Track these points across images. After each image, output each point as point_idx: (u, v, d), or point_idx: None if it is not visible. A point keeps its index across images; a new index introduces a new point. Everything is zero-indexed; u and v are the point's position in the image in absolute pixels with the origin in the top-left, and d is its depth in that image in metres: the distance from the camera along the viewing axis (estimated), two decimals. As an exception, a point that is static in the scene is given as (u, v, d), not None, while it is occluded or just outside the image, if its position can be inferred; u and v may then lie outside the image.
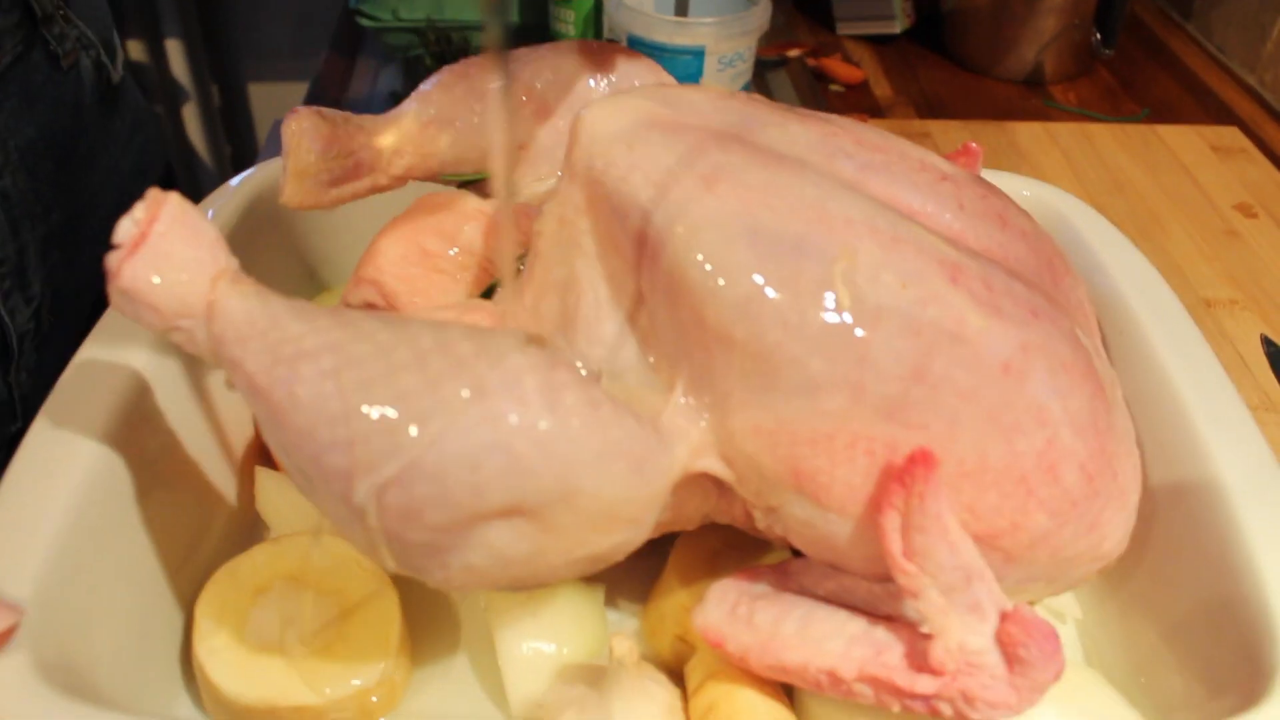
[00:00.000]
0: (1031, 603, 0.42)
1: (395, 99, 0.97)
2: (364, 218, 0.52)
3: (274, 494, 0.49)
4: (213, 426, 0.49)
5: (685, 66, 0.84)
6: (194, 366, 0.48)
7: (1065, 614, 0.47)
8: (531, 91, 0.47)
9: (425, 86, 0.48)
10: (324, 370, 0.31)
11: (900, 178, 0.40)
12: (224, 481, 0.49)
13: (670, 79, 0.48)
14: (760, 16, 0.84)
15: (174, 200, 0.34)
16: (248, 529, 0.50)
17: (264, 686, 0.40)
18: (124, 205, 0.64)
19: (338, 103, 0.95)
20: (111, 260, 0.33)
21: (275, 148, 0.79)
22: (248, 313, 0.33)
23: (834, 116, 0.42)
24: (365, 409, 0.30)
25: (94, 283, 0.60)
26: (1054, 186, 0.58)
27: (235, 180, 0.56)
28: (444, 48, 0.95)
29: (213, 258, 0.34)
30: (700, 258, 0.35)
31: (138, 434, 0.44)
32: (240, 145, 1.62)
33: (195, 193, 0.48)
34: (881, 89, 1.00)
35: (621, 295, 0.37)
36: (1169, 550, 0.44)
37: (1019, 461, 0.36)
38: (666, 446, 0.34)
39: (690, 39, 0.83)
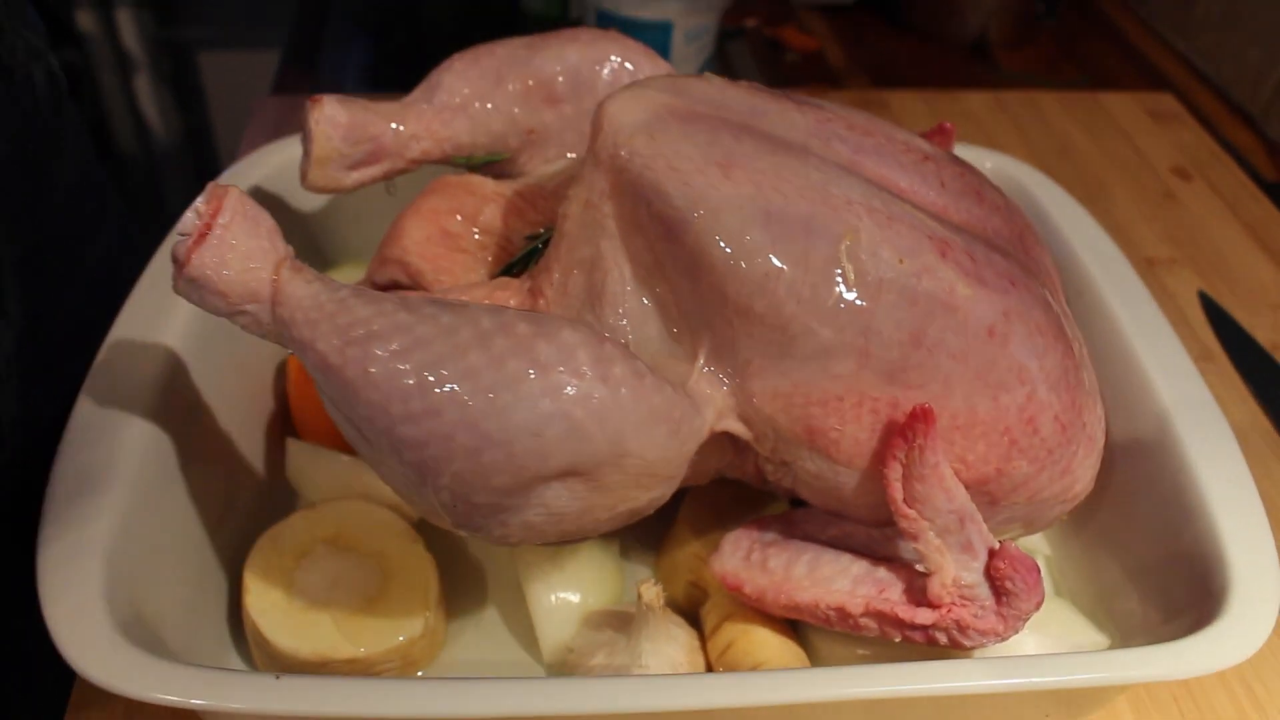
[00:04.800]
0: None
1: (368, 72, 0.99)
2: (366, 196, 0.54)
3: (305, 463, 0.52)
4: (239, 402, 0.52)
5: (653, 40, 0.87)
6: (218, 346, 0.50)
7: (1037, 552, 0.52)
8: (539, 78, 0.49)
9: (438, 73, 0.50)
10: (395, 350, 0.34)
11: (889, 159, 0.44)
12: (252, 453, 0.52)
13: (666, 65, 0.51)
14: (726, -10, 0.87)
15: (234, 193, 0.36)
16: (277, 497, 0.53)
17: (315, 641, 0.43)
18: (86, 218, 0.63)
19: (308, 74, 0.96)
20: (178, 250, 0.36)
21: (263, 128, 0.81)
22: (313, 297, 0.36)
23: (825, 103, 0.45)
24: (436, 385, 0.33)
25: (75, 302, 0.60)
26: (1013, 158, 0.62)
27: (241, 163, 0.57)
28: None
29: (273, 246, 0.37)
30: (720, 239, 0.38)
31: (175, 411, 0.46)
32: (193, 116, 1.61)
33: (149, 164, 0.48)
34: (836, 57, 1.04)
35: (645, 272, 0.41)
36: (1127, 491, 0.49)
37: (1003, 415, 0.41)
38: (697, 410, 0.38)
39: (659, 13, 0.86)
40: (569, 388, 0.34)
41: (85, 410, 0.45)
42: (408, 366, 0.34)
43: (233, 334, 0.50)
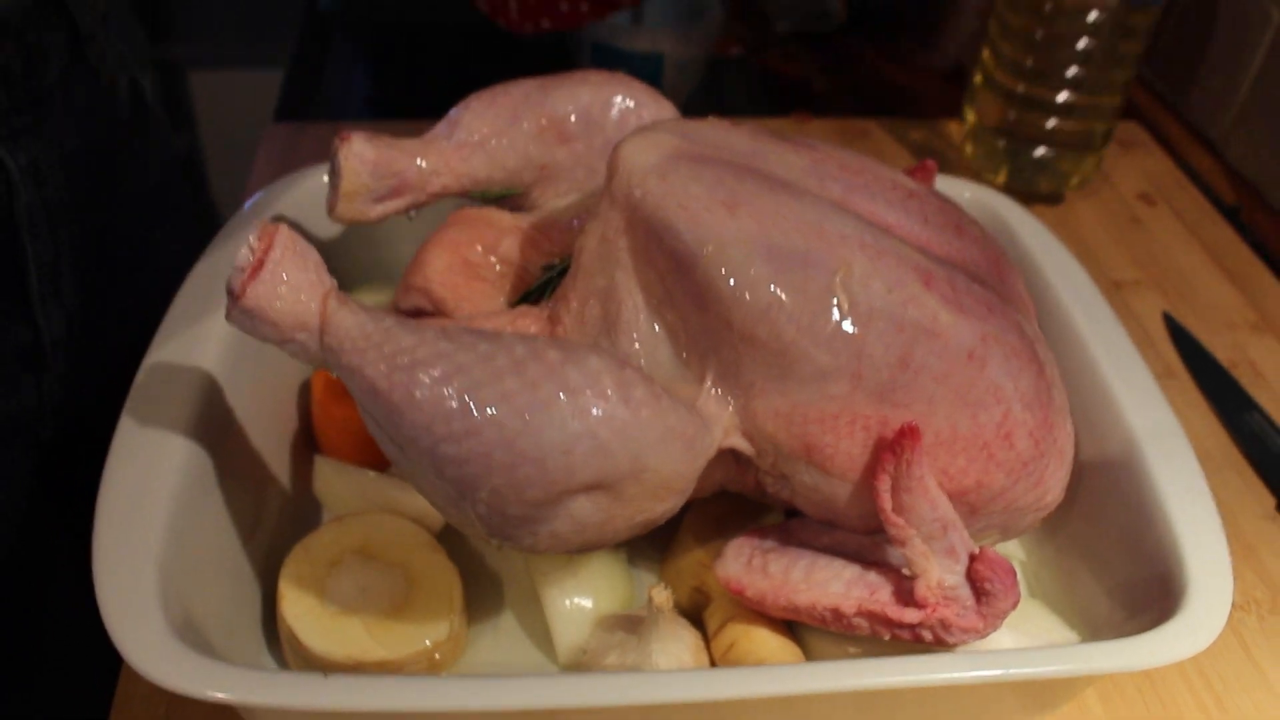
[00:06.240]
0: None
1: (370, 99, 1.02)
2: (383, 224, 0.58)
3: (332, 478, 0.55)
4: (266, 421, 0.55)
5: (645, 70, 0.91)
6: (246, 369, 0.53)
7: (1013, 557, 0.56)
8: (552, 117, 0.53)
9: (457, 112, 0.54)
10: (437, 376, 0.37)
11: (878, 196, 0.48)
12: (279, 468, 0.55)
13: (669, 104, 0.55)
14: (714, 24, 0.91)
15: (285, 230, 0.40)
16: (302, 510, 0.56)
17: (348, 645, 0.47)
18: (148, 222, 0.68)
19: (311, 100, 0.99)
20: (234, 282, 0.39)
21: (271, 154, 0.84)
22: (360, 326, 0.39)
23: (818, 143, 0.49)
24: (476, 408, 0.37)
25: (122, 295, 0.64)
26: (988, 188, 0.67)
27: (264, 193, 0.61)
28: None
29: (320, 279, 0.40)
30: (726, 271, 0.42)
31: (209, 429, 0.50)
32: (181, 133, 1.63)
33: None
34: (820, 85, 1.08)
35: (656, 302, 0.44)
36: (1095, 500, 0.53)
37: (982, 431, 0.44)
38: (707, 428, 0.42)
39: (650, 46, 0.90)
40: (595, 409, 0.38)
41: (127, 429, 0.48)
42: (450, 391, 0.37)
43: (259, 357, 0.54)
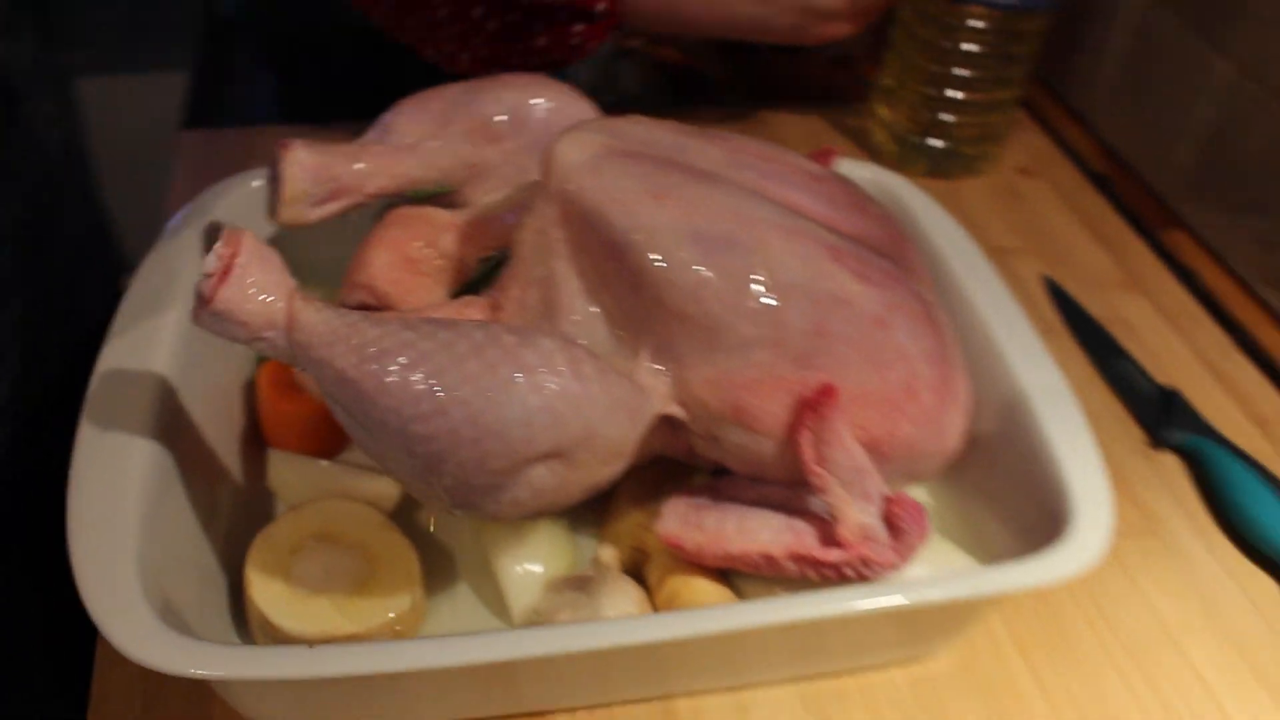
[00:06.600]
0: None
1: (277, 104, 1.03)
2: (321, 226, 0.60)
3: (285, 470, 0.57)
4: (216, 418, 0.57)
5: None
6: (195, 372, 0.56)
7: (919, 499, 0.62)
8: (480, 118, 0.57)
9: (389, 117, 0.57)
10: (404, 363, 0.41)
11: (788, 182, 0.53)
12: (231, 462, 0.58)
13: (588, 103, 0.59)
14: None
15: (249, 235, 0.43)
16: (255, 501, 0.59)
17: (320, 623, 0.50)
18: (84, 273, 0.68)
19: (219, 106, 1.00)
20: (204, 287, 0.42)
21: (191, 161, 0.85)
22: (326, 322, 0.42)
23: (732, 135, 0.54)
24: (442, 389, 0.41)
25: (67, 350, 0.63)
26: (885, 169, 0.72)
27: (202, 196, 0.63)
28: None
29: (283, 280, 0.43)
30: (656, 256, 0.46)
31: (166, 429, 0.52)
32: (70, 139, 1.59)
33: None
34: (716, 74, 1.13)
35: (592, 286, 0.48)
36: (990, 444, 0.58)
37: (890, 388, 0.50)
38: (646, 398, 0.46)
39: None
40: (550, 385, 0.42)
41: (89, 433, 0.50)
42: (417, 375, 0.41)
43: (206, 360, 0.57)
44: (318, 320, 0.42)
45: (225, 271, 0.42)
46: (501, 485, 0.43)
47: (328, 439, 0.59)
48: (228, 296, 0.42)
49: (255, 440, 0.61)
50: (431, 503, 0.44)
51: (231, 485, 0.58)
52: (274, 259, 0.43)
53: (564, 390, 0.42)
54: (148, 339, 0.54)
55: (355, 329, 0.42)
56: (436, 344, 0.41)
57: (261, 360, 0.61)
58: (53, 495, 0.48)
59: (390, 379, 0.41)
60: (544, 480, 0.43)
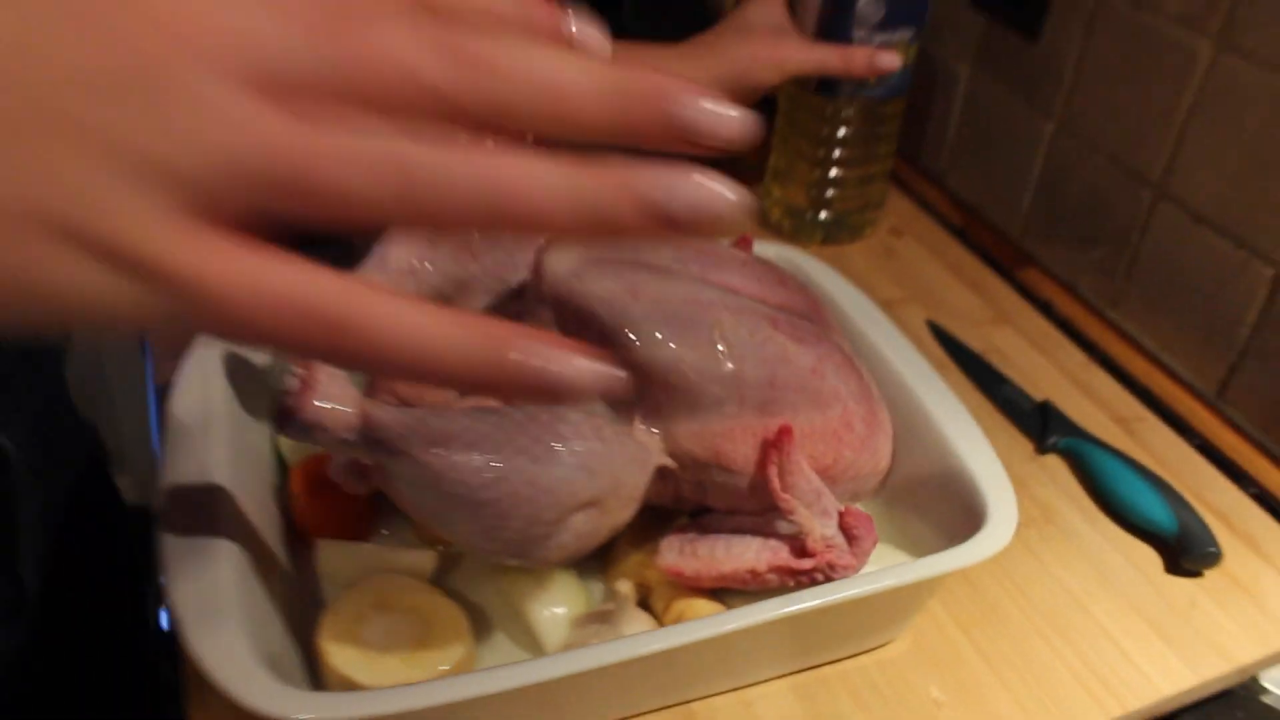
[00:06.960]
0: (844, 510, 0.68)
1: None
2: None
3: (332, 555, 0.66)
4: (265, 518, 0.66)
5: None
6: (241, 478, 0.65)
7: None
8: (461, 238, 0.68)
9: (384, 247, 0.67)
10: (467, 445, 0.51)
11: (724, 268, 0.66)
12: (281, 554, 0.66)
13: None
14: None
15: (319, 360, 0.53)
16: (305, 584, 0.67)
17: (392, 676, 0.59)
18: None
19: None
20: (289, 402, 0.52)
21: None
22: (397, 418, 0.52)
23: (677, 236, 0.67)
24: (500, 461, 0.51)
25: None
26: (787, 246, 0.86)
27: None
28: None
29: (349, 388, 0.53)
30: (639, 340, 0.58)
31: (236, 531, 0.61)
32: None
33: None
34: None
35: (588, 370, 0.60)
36: (910, 461, 0.71)
37: (831, 423, 0.62)
38: (650, 452, 0.58)
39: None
40: (582, 448, 0.53)
41: (172, 541, 0.58)
42: (479, 454, 0.51)
43: (245, 469, 0.65)
44: (390, 418, 0.52)
45: (307, 388, 0.52)
46: (552, 534, 0.53)
47: (358, 524, 0.69)
48: (312, 409, 0.52)
49: (292, 533, 0.70)
50: (491, 557, 0.54)
51: (283, 573, 0.66)
52: (340, 373, 0.53)
53: (593, 451, 0.53)
54: (200, 456, 0.63)
55: (422, 422, 0.52)
56: (489, 426, 0.52)
57: (285, 466, 0.70)
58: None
59: (456, 458, 0.51)
60: (583, 525, 0.54)
